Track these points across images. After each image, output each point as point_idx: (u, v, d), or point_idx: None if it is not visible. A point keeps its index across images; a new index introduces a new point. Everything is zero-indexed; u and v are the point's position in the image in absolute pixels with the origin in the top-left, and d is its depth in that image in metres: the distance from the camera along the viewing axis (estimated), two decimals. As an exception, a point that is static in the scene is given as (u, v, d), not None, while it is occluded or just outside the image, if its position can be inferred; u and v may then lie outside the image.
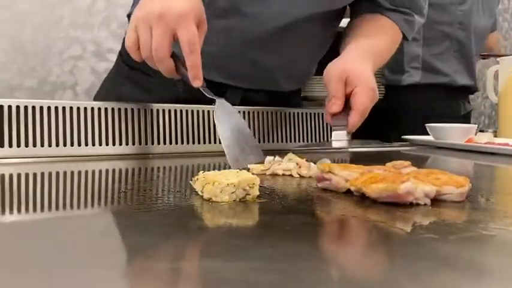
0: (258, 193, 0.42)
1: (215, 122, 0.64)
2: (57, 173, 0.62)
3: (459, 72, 1.69)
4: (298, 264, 0.26)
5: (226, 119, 0.65)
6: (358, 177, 0.46)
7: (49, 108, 0.69)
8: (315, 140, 0.94)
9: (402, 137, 1.22)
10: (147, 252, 0.28)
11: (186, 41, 0.59)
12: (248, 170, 0.57)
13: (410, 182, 0.41)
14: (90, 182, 0.61)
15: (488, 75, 1.43)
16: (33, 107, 0.68)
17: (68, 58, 1.50)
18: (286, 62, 0.91)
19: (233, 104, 0.74)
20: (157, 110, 0.77)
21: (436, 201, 0.43)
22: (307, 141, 0.92)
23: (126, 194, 0.47)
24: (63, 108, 0.70)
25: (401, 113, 1.95)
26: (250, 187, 0.42)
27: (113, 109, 0.74)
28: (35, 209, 0.43)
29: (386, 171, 0.50)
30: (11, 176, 0.60)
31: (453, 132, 1.08)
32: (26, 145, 0.67)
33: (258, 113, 0.87)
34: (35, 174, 0.61)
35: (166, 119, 0.78)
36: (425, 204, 0.42)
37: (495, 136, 1.29)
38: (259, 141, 0.86)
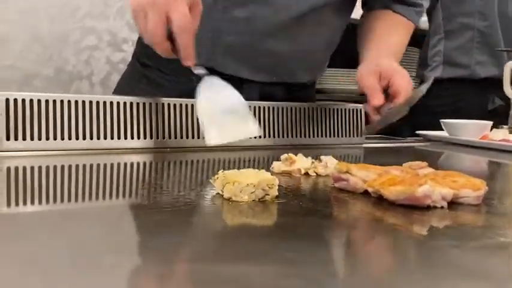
0: (276, 193, 0.43)
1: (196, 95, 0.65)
2: (75, 166, 0.64)
3: (481, 64, 1.64)
4: (318, 269, 0.27)
5: (209, 92, 0.66)
6: (376, 179, 0.46)
7: (62, 101, 0.70)
8: (339, 135, 0.94)
9: (416, 132, 1.22)
10: (168, 253, 0.29)
11: (177, 22, 0.62)
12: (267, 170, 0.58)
13: (428, 185, 0.42)
14: (109, 176, 0.62)
15: (506, 70, 1.41)
16: (47, 101, 0.69)
17: (84, 48, 1.52)
18: (303, 50, 0.92)
19: (250, 99, 0.76)
20: (174, 105, 0.78)
21: (453, 204, 0.44)
22: (329, 136, 0.92)
23: (146, 190, 0.48)
24: (78, 101, 0.71)
25: (424, 108, 1.94)
26: (269, 187, 0.43)
27: (131, 103, 0.75)
28: (49, 201, 0.44)
29: (404, 172, 0.50)
30: (24, 168, 0.62)
31: (467, 129, 1.08)
32: (39, 138, 0.68)
33: (278, 108, 0.87)
34: (48, 167, 0.63)
35: (183, 113, 0.78)
36: (442, 207, 0.42)
37: (511, 132, 1.28)
38: (282, 136, 0.86)
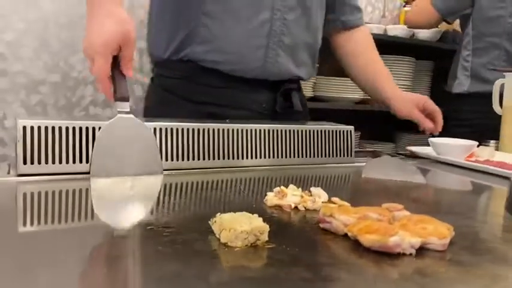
0: (266, 238, 0.49)
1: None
2: (85, 189, 0.70)
3: None
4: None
5: (107, 139, 0.74)
6: (355, 224, 0.53)
7: (67, 128, 0.76)
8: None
9: (407, 148, 1.28)
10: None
11: (95, 73, 0.76)
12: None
13: (398, 236, 0.48)
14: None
15: (495, 88, 1.47)
16: (60, 127, 0.75)
17: (90, 55, 1.57)
18: (308, 36, 1.13)
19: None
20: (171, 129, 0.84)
21: (422, 249, 0.50)
22: (321, 156, 0.99)
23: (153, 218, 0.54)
24: (89, 127, 0.77)
25: (449, 120, 2.02)
26: (260, 233, 0.49)
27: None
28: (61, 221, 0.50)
29: (381, 215, 0.56)
30: (39, 192, 0.68)
31: (453, 149, 1.14)
32: (53, 162, 0.74)
33: (275, 130, 0.93)
34: (61, 191, 0.69)
35: (180, 137, 0.84)
36: (410, 254, 0.49)
37: (497, 149, 1.34)
38: (278, 157, 0.93)
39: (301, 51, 1.13)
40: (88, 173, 0.74)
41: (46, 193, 0.70)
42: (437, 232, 0.51)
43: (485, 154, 1.24)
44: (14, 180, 0.73)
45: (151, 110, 1.11)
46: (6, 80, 1.49)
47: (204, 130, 0.86)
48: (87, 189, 0.71)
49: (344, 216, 0.54)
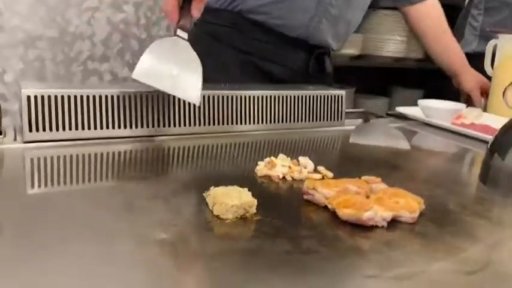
0: (255, 211, 0.55)
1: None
2: (90, 155, 0.75)
3: None
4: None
5: (162, 49, 0.79)
6: (334, 197, 0.58)
7: (69, 96, 0.80)
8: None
9: (396, 108, 1.32)
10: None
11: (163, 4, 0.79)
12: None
13: (372, 210, 0.54)
14: (111, 165, 0.74)
15: (488, 48, 1.49)
16: (62, 96, 0.79)
17: (86, 9, 1.56)
18: (352, 13, 1.23)
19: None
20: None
21: (393, 221, 0.56)
22: (313, 120, 1.03)
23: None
24: (89, 96, 0.81)
25: (448, 79, 2.04)
26: (249, 207, 0.55)
27: (129, 96, 0.85)
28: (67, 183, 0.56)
29: (360, 188, 0.62)
30: (45, 157, 0.73)
31: (440, 112, 1.18)
32: (57, 129, 0.79)
33: (267, 96, 0.97)
34: (66, 156, 0.74)
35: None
36: (382, 226, 0.55)
37: (485, 111, 1.38)
38: (271, 122, 0.98)
39: (340, 25, 1.22)
40: (91, 139, 0.79)
41: (52, 158, 0.75)
42: (408, 206, 0.57)
43: (472, 116, 1.28)
44: (20, 146, 0.77)
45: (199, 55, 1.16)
46: (3, 35, 1.51)
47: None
48: (95, 154, 0.76)
49: (325, 190, 0.60)
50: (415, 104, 1.26)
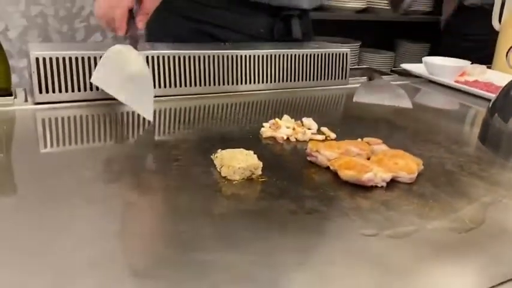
0: (260, 173, 0.58)
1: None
2: (97, 115, 0.77)
3: None
4: (284, 258, 0.42)
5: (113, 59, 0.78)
6: (336, 159, 0.61)
7: (77, 58, 0.81)
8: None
9: (401, 65, 1.32)
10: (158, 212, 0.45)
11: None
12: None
13: (372, 172, 0.57)
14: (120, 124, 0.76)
15: (496, 2, 1.46)
16: (70, 58, 0.81)
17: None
18: None
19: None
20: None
21: (392, 181, 0.59)
22: (318, 79, 1.04)
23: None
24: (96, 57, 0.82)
25: (454, 33, 1.99)
26: (255, 169, 0.57)
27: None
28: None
29: (361, 150, 0.64)
30: (56, 118, 0.76)
31: (444, 70, 1.18)
32: (66, 90, 0.81)
33: (272, 55, 0.98)
34: (75, 117, 0.77)
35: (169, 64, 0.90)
36: (382, 186, 0.58)
37: (489, 67, 1.38)
38: (276, 81, 0.99)
39: None
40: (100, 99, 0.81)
41: (62, 119, 0.78)
42: (407, 167, 0.60)
43: (476, 73, 1.29)
44: (31, 108, 0.80)
45: (152, 30, 1.12)
46: (4, -10, 1.49)
47: (200, 57, 0.91)
48: (103, 115, 0.78)
49: (328, 152, 0.62)
50: (421, 58, 1.26)
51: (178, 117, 0.84)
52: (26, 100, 0.82)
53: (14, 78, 0.84)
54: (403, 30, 2.49)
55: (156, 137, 0.74)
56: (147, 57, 0.86)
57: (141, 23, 0.81)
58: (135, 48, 0.78)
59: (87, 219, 0.47)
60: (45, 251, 0.42)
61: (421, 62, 1.24)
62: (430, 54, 2.40)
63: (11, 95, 0.82)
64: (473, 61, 1.27)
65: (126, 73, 0.77)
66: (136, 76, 0.77)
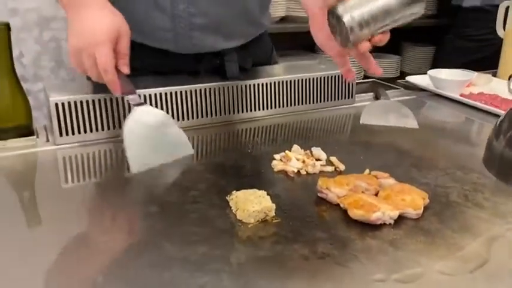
0: (274, 214, 0.61)
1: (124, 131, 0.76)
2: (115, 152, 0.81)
3: None
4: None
5: (137, 129, 0.77)
6: (346, 196, 0.64)
7: (93, 101, 0.80)
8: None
9: (406, 78, 1.34)
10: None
11: (100, 65, 0.74)
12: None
13: (380, 212, 0.60)
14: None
15: (500, 10, 1.47)
16: (87, 101, 0.84)
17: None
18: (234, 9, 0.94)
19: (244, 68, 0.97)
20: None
21: (400, 217, 0.62)
22: (324, 100, 1.07)
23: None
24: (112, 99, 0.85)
25: (457, 35, 1.99)
26: (268, 211, 0.61)
27: (144, 95, 0.89)
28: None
29: (369, 184, 0.67)
30: (76, 156, 0.80)
31: (449, 83, 1.20)
32: (85, 131, 0.85)
33: (276, 82, 1.01)
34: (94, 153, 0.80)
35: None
36: (390, 224, 0.61)
37: (494, 75, 1.39)
38: (283, 106, 1.02)
39: (227, 25, 0.94)
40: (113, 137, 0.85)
41: (82, 156, 0.82)
42: (413, 204, 0.63)
43: (482, 82, 1.30)
44: (53, 148, 0.84)
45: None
46: (17, 18, 1.53)
47: (206, 89, 0.94)
48: (121, 151, 0.82)
49: (338, 189, 0.65)
50: (427, 61, 1.27)
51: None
52: (48, 140, 0.86)
53: (31, 100, 0.86)
54: (408, 33, 2.50)
55: (173, 175, 0.78)
56: (155, 95, 0.89)
57: (124, 67, 0.78)
58: (134, 93, 0.80)
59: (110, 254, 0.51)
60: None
61: (427, 64, 1.26)
62: (435, 56, 2.41)
63: (32, 133, 0.86)
64: (477, 61, 1.27)
65: (153, 136, 0.77)
66: (160, 129, 0.79)
